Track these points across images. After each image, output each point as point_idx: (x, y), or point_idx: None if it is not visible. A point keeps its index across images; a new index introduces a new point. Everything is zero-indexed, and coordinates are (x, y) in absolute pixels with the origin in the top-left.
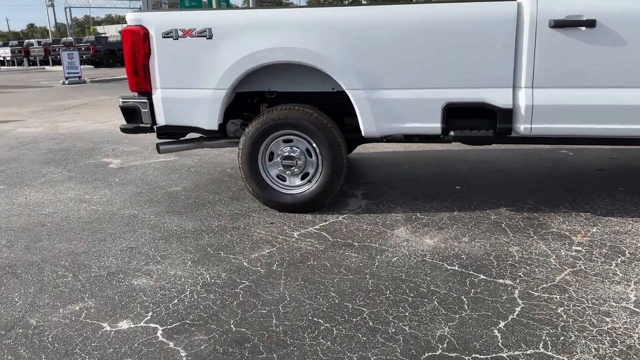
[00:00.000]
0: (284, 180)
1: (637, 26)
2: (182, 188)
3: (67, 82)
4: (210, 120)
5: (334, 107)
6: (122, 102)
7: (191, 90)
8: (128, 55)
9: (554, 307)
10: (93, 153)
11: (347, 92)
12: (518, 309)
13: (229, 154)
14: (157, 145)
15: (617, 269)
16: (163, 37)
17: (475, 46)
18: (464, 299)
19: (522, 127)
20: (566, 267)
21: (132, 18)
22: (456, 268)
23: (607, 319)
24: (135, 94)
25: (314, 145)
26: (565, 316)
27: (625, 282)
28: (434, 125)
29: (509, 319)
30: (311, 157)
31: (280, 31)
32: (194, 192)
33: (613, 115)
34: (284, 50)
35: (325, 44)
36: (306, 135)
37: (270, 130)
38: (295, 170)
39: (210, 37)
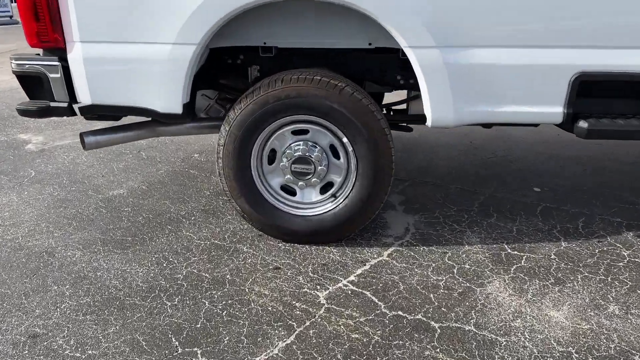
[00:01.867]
0: (293, 194)
1: None
2: (128, 191)
3: None
4: (169, 97)
5: (357, 71)
6: (17, 64)
7: (133, 45)
8: None
9: None
10: (7, 124)
11: (409, 51)
12: None
13: None
14: (81, 136)
15: None
16: None
17: None
18: None
19: None
20: None
21: None
22: None
23: None
24: (40, 51)
25: (345, 140)
26: None
27: None
28: (552, 110)
29: None
30: (338, 157)
31: None
32: (146, 199)
33: None
34: None
35: None
36: (333, 123)
37: (273, 115)
38: (313, 179)
39: None
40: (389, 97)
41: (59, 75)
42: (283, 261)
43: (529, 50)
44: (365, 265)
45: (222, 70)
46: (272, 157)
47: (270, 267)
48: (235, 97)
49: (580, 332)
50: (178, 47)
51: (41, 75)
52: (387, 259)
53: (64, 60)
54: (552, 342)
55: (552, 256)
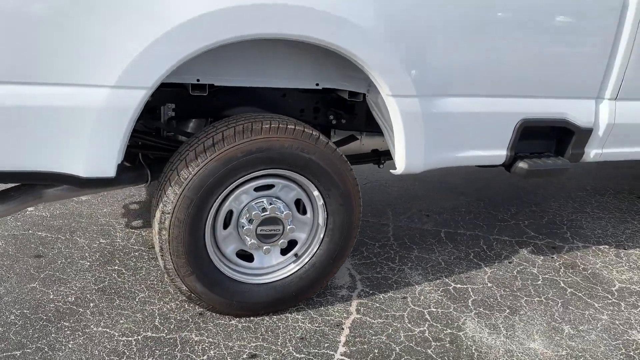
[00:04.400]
0: (250, 260)
1: None
2: None
3: None
4: (98, 156)
5: (289, 111)
6: None
7: (46, 88)
8: None
9: None
10: None
11: (391, 99)
12: None
13: None
14: None
15: None
16: None
17: (571, 33)
18: None
19: (593, 152)
20: None
21: None
22: None
23: None
24: None
25: (316, 193)
26: None
27: None
28: (498, 153)
29: None
30: (305, 212)
31: None
32: (1, 284)
33: None
34: (294, 11)
35: (361, 4)
36: (307, 177)
37: (240, 172)
38: (281, 241)
39: None
40: None
41: None
42: (253, 344)
43: (490, 99)
44: (343, 329)
45: None
46: (226, 220)
47: (244, 355)
48: (138, 141)
49: (564, 359)
50: (120, 92)
51: None
52: (359, 316)
53: None
54: None
55: (489, 284)
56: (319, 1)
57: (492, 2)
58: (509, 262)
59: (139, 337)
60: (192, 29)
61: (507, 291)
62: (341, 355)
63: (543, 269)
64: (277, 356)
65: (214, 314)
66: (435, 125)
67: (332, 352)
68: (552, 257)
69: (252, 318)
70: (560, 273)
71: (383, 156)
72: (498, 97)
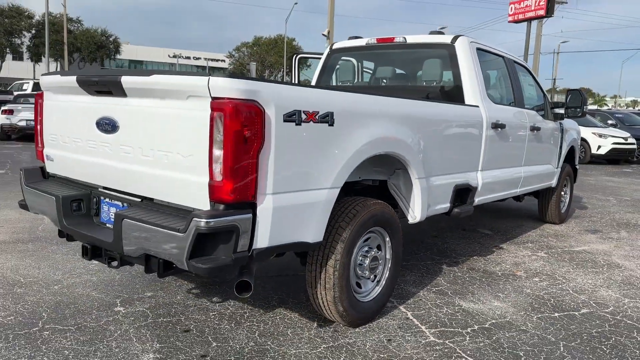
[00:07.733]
0: (360, 287)
1: (521, 129)
2: None
3: None
4: (318, 229)
5: None
6: (211, 222)
7: (306, 192)
8: (230, 144)
9: None
10: None
11: (416, 181)
12: None
13: None
14: (243, 284)
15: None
16: (284, 121)
17: (467, 137)
18: None
19: (477, 199)
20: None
21: (239, 87)
22: None
23: None
24: (220, 206)
25: (387, 238)
26: None
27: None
28: (447, 205)
29: None
30: (381, 251)
31: (390, 121)
32: None
33: (512, 184)
34: (392, 141)
35: (413, 134)
36: (386, 229)
37: (364, 229)
38: (378, 271)
39: (331, 124)
40: None
41: (248, 230)
42: (383, 336)
43: (444, 176)
44: (411, 319)
45: None
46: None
47: (385, 342)
48: None
49: (511, 307)
50: (331, 191)
51: (234, 229)
52: (410, 311)
53: (253, 212)
54: (522, 309)
55: (448, 284)
56: (399, 134)
57: (440, 136)
58: (444, 272)
59: (321, 347)
60: (351, 159)
61: (459, 285)
62: (429, 327)
63: (462, 272)
64: (405, 335)
65: (344, 328)
66: (429, 192)
67: (424, 328)
68: (460, 266)
69: (365, 325)
70: (472, 273)
71: None
72: (446, 175)
